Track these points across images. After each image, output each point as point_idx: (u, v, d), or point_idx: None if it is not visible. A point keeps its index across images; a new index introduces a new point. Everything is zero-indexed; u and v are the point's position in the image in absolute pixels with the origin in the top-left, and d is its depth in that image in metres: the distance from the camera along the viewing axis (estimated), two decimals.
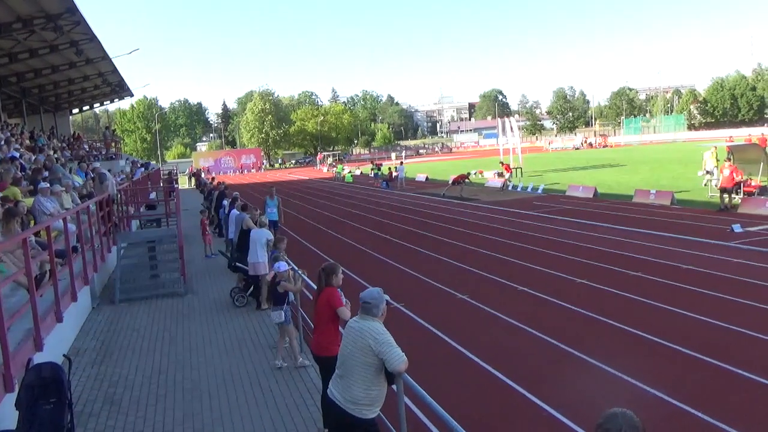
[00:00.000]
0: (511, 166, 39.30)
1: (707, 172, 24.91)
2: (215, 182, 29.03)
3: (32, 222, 10.01)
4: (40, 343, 6.85)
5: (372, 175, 47.74)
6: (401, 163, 45.31)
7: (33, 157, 17.98)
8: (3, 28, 19.38)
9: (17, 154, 16.81)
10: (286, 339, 8.49)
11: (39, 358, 6.31)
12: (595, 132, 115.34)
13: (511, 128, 43.56)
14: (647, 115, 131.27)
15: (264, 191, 18.83)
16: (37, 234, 8.77)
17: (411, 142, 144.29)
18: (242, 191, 27.57)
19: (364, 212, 27.50)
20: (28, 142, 22.06)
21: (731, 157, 23.13)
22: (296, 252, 15.12)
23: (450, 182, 32.53)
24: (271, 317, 8.31)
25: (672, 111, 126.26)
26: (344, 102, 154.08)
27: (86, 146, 33.77)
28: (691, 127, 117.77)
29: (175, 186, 29.79)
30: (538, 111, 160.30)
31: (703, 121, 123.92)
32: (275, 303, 8.34)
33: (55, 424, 5.22)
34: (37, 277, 7.53)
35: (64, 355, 6.58)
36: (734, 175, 20.57)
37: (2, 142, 17.79)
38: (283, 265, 8.52)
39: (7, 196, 10.82)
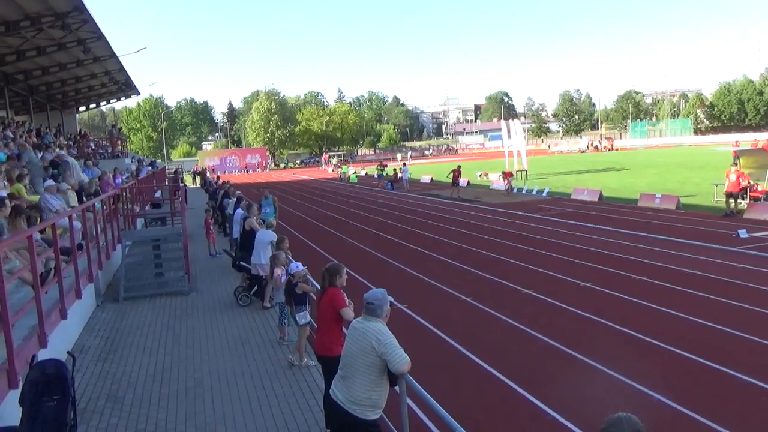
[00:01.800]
0: (516, 169, 39.32)
1: None
2: (220, 181, 29.11)
3: (38, 219, 10.06)
4: (45, 340, 6.88)
5: (376, 176, 47.73)
6: (404, 164, 45.32)
7: (40, 155, 18.04)
8: (11, 26, 19.45)
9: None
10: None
11: (43, 355, 6.33)
12: (601, 135, 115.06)
13: (515, 131, 43.53)
14: (653, 118, 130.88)
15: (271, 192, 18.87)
16: (42, 231, 8.80)
17: (416, 143, 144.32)
18: (247, 191, 27.64)
19: (368, 213, 27.52)
20: (34, 139, 22.15)
21: (737, 162, 23.04)
22: (300, 252, 15.12)
23: (452, 184, 32.62)
24: (297, 319, 8.27)
25: (678, 115, 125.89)
26: (350, 102, 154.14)
27: (92, 144, 33.90)
28: (698, 131, 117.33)
29: (181, 185, 29.86)
30: (544, 113, 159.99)
31: (710, 125, 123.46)
32: (296, 304, 8.28)
33: (59, 420, 5.23)
34: (42, 274, 7.56)
35: (68, 352, 6.59)
36: (740, 180, 20.53)
37: (9, 140, 17.88)
38: (298, 266, 8.47)
39: (13, 193, 10.89)
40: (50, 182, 11.61)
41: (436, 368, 8.06)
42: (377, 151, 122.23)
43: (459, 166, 34.40)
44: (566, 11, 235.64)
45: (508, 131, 44.07)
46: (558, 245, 16.50)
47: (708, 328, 9.22)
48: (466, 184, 36.50)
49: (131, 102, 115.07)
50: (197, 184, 55.70)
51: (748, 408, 6.61)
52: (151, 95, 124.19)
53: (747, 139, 65.36)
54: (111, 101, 46.99)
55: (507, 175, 35.17)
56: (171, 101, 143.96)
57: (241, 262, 12.38)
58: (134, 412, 6.98)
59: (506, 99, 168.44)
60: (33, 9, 19.00)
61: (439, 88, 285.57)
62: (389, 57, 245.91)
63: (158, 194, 26.32)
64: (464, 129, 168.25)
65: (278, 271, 9.62)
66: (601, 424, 2.62)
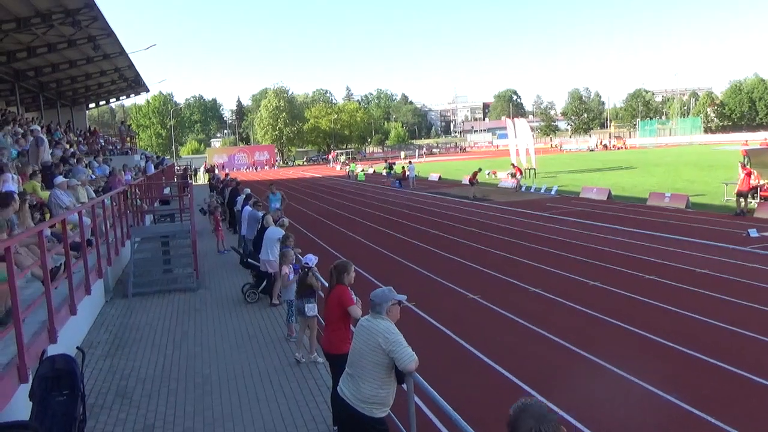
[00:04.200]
0: (525, 167, 39.23)
1: None
2: (228, 178, 29.19)
3: (48, 215, 10.11)
4: (54, 335, 6.90)
5: (385, 174, 47.72)
6: (410, 162, 45.27)
7: (50, 151, 18.12)
8: (22, 23, 19.58)
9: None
10: (307, 332, 8.47)
11: (53, 350, 6.37)
12: (610, 134, 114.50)
13: (521, 129, 43.47)
14: (663, 117, 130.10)
15: (278, 188, 19.07)
16: (52, 226, 8.84)
17: (424, 141, 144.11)
18: (255, 188, 27.69)
19: (376, 211, 27.50)
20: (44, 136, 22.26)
21: (747, 161, 22.88)
22: (308, 250, 15.13)
23: (470, 184, 32.53)
24: (306, 310, 8.25)
25: (688, 113, 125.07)
26: (358, 100, 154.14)
27: (102, 141, 34.06)
28: (708, 130, 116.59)
29: (190, 182, 29.94)
30: (552, 112, 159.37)
31: (720, 124, 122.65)
32: (306, 295, 8.25)
33: (68, 415, 5.27)
34: (53, 269, 7.60)
35: (77, 348, 6.63)
36: (751, 179, 20.40)
37: (19, 136, 17.97)
38: (312, 259, 8.44)
39: (25, 189, 10.94)
40: (60, 178, 11.65)
41: (443, 366, 8.05)
42: (385, 149, 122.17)
43: (480, 169, 34.41)
44: (575, 9, 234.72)
45: (514, 130, 44.00)
46: (566, 244, 16.44)
47: (718, 327, 9.15)
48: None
49: (140, 99, 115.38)
50: (206, 181, 55.49)
51: (758, 408, 6.55)
52: (160, 92, 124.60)
53: (757, 139, 64.93)
54: (120, 98, 47.25)
55: (516, 170, 35.14)
56: (180, 98, 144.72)
57: (249, 260, 12.40)
58: (143, 408, 7.02)
59: (515, 97, 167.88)
60: (44, 6, 19.12)
61: (448, 86, 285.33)
62: (397, 55, 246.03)
63: (167, 191, 26.42)
64: (472, 127, 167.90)
65: (286, 269, 9.62)
66: (508, 416, 2.59)
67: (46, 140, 14.97)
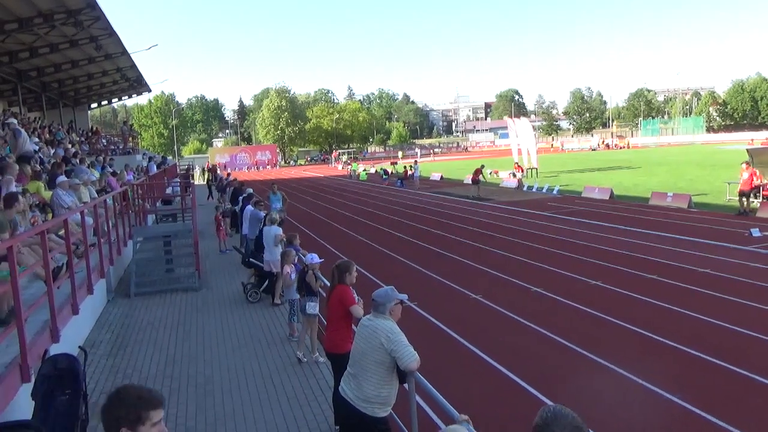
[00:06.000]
0: (526, 167, 39.21)
1: None
2: (230, 178, 29.22)
3: (50, 215, 10.13)
4: (57, 335, 6.92)
5: (383, 176, 47.72)
6: (415, 162, 45.31)
7: (52, 151, 18.17)
8: (24, 23, 19.63)
9: (36, 148, 16.99)
10: (308, 331, 8.47)
11: (55, 350, 6.38)
12: (612, 133, 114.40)
13: (523, 128, 43.46)
14: (665, 116, 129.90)
15: (279, 188, 19.11)
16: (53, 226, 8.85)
17: (426, 141, 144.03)
18: (257, 188, 27.69)
19: (378, 210, 27.48)
20: (47, 136, 22.30)
21: (750, 161, 22.84)
22: (310, 250, 15.13)
23: (471, 182, 32.45)
24: (307, 308, 8.23)
25: (691, 113, 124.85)
26: (360, 100, 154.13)
27: (104, 141, 34.11)
28: (710, 129, 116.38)
29: (191, 182, 29.93)
30: (554, 111, 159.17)
31: (723, 123, 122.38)
32: (308, 294, 8.25)
33: (70, 414, 5.27)
34: (55, 269, 7.61)
35: (79, 347, 6.63)
36: (753, 178, 20.37)
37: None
38: (315, 257, 8.45)
39: (27, 189, 10.96)
40: (62, 178, 11.68)
41: (445, 366, 8.04)
42: (387, 148, 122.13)
43: (482, 165, 34.32)
44: (577, 8, 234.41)
45: (516, 129, 44.00)
46: (568, 243, 16.42)
47: (720, 327, 9.14)
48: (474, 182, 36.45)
49: (142, 99, 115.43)
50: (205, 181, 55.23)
51: (762, 408, 6.53)
52: (162, 92, 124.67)
53: (761, 138, 64.78)
54: (122, 98, 47.31)
55: (517, 168, 35.08)
56: (182, 98, 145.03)
57: (252, 259, 12.41)
58: None
59: (517, 97, 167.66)
60: (46, 6, 19.17)
61: (450, 85, 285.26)
62: (398, 55, 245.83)
63: (169, 190, 26.44)
64: (474, 127, 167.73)
65: (288, 269, 9.62)
66: (536, 419, 2.30)
67: (23, 132, 14.92)
